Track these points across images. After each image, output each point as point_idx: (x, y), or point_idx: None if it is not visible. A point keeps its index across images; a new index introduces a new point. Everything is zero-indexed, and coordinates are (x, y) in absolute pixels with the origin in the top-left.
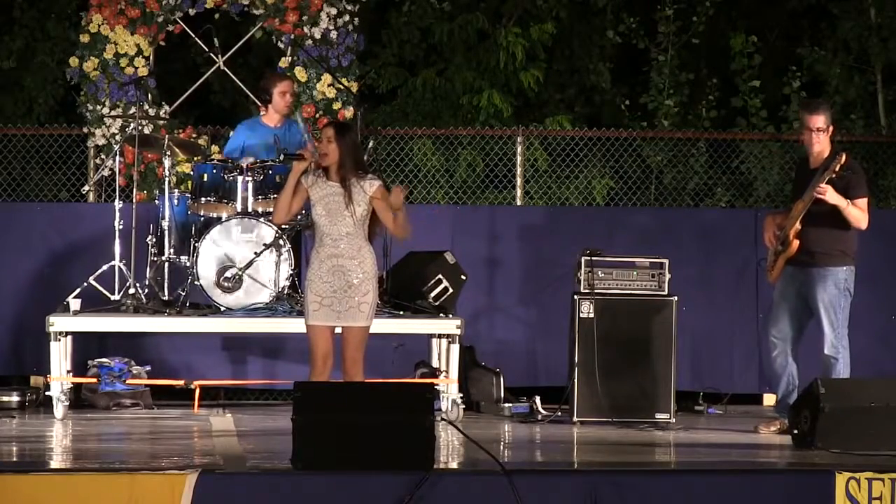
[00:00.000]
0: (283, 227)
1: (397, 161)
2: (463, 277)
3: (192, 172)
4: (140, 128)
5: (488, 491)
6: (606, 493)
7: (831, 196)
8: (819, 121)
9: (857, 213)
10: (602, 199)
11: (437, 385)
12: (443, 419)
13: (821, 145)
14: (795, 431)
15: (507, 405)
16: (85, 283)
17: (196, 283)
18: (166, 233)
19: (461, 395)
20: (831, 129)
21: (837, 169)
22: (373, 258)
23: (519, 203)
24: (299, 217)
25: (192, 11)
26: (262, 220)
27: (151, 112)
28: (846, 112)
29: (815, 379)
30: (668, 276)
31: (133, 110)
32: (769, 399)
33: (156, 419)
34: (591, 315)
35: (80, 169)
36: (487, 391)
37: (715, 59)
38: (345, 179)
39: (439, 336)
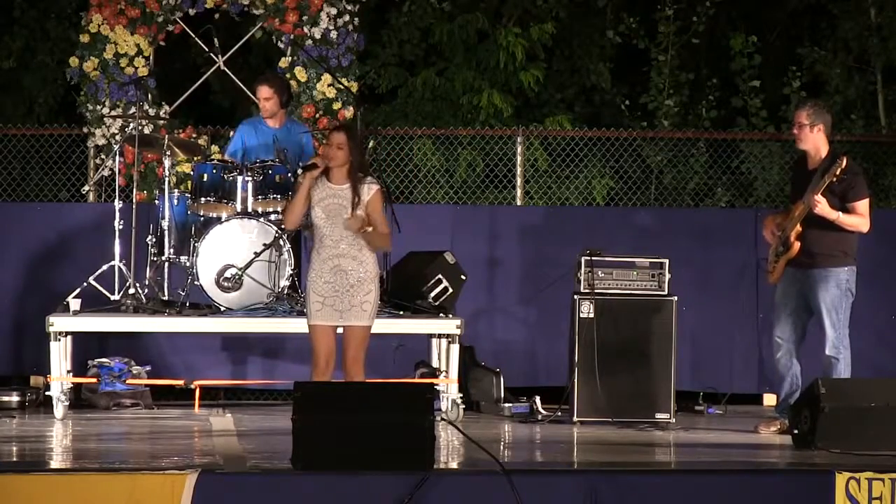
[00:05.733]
0: (283, 226)
1: (397, 161)
2: (463, 277)
3: (192, 172)
4: (140, 128)
5: (488, 491)
6: (606, 493)
7: (823, 210)
8: (801, 116)
9: (854, 220)
10: (602, 199)
11: (437, 385)
12: (443, 419)
13: (804, 143)
14: (795, 431)
15: (507, 405)
16: (85, 283)
17: (196, 283)
18: (166, 233)
19: (461, 395)
20: (821, 126)
21: (838, 173)
22: (374, 258)
23: (519, 203)
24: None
25: (192, 11)
26: (262, 220)
27: (151, 112)
28: (846, 112)
29: (816, 379)
30: (668, 276)
31: (133, 110)
32: (769, 399)
33: (156, 419)
34: (591, 315)
35: (80, 169)
36: (487, 391)
37: (715, 59)
38: (354, 183)
39: (439, 336)
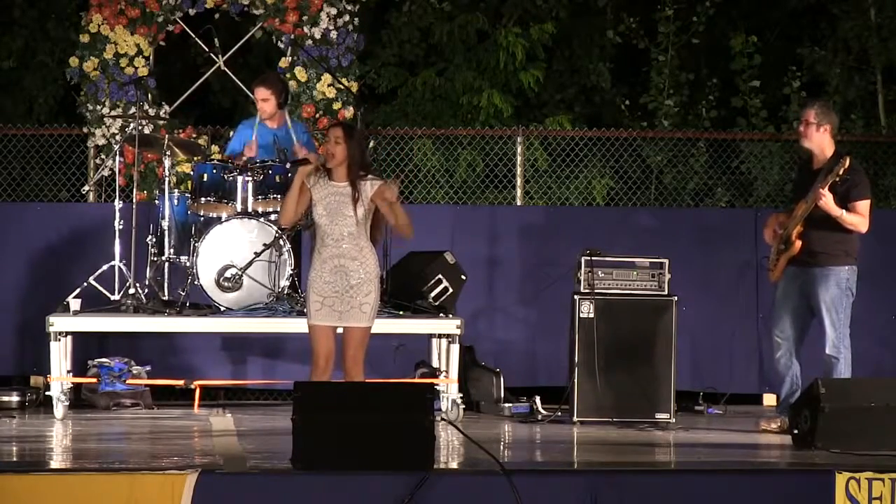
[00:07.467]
0: (284, 226)
1: (397, 161)
2: (463, 277)
3: (192, 172)
4: (140, 128)
5: (488, 491)
6: (606, 493)
7: (827, 204)
8: (808, 114)
9: (855, 218)
10: (602, 199)
11: (437, 385)
12: (443, 419)
13: (809, 141)
14: (795, 431)
15: (507, 405)
16: (85, 283)
17: (196, 283)
18: (166, 233)
19: (461, 395)
20: (828, 127)
21: (841, 173)
22: (375, 258)
23: (519, 203)
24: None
25: (192, 11)
26: (262, 220)
27: (151, 112)
28: (846, 112)
29: (816, 379)
30: (668, 276)
31: (133, 110)
32: (769, 399)
33: (156, 419)
34: (591, 315)
35: (80, 169)
36: (487, 391)
37: (715, 59)
38: (353, 180)
39: (439, 336)
